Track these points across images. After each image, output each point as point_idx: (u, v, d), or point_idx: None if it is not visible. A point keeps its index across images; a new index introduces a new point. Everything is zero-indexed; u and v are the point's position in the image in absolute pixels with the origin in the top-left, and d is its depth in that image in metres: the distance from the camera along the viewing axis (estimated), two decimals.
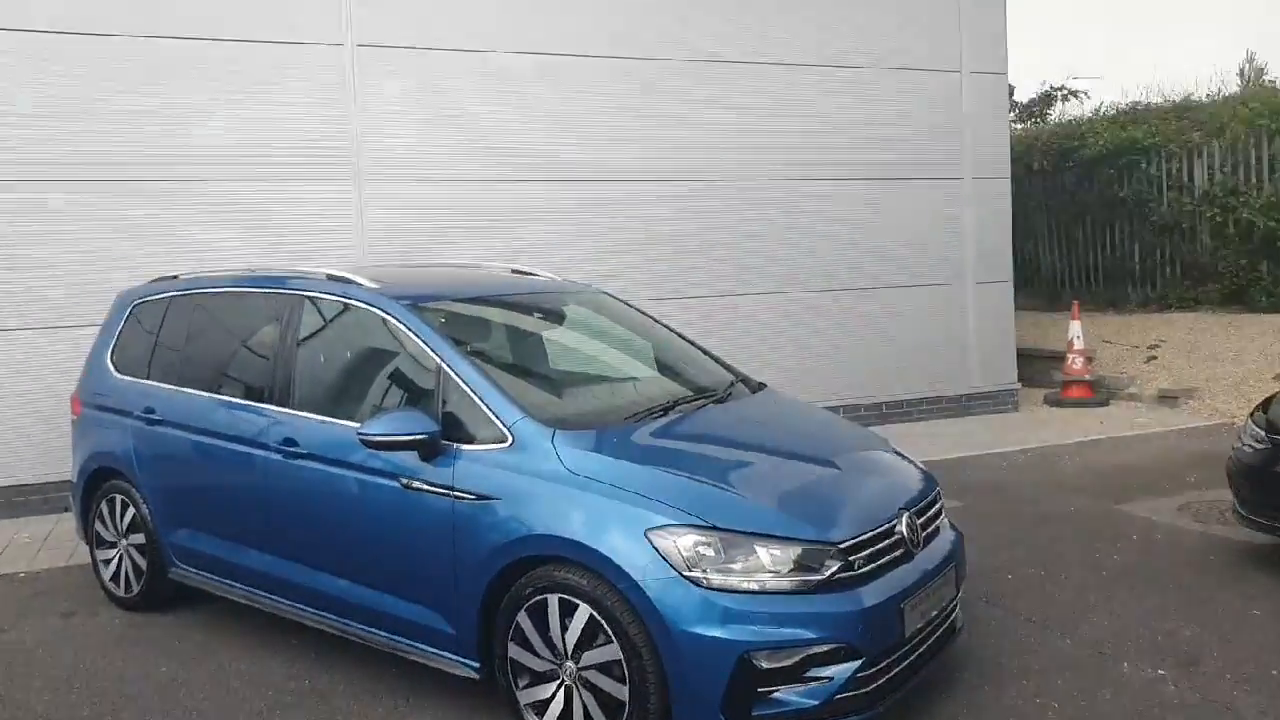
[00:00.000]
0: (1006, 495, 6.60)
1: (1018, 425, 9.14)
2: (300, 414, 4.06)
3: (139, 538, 4.74)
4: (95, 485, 4.97)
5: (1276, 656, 3.95)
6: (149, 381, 4.81)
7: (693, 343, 4.91)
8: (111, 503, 4.87)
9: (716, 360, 4.77)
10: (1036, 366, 10.74)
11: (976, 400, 9.69)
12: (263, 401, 4.23)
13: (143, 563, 4.73)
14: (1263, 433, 4.96)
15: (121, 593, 4.85)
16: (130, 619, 4.72)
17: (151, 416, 4.65)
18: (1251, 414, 5.28)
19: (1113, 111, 14.51)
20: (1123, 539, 5.51)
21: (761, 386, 4.58)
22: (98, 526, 4.96)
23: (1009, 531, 5.73)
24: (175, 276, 5.17)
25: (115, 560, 4.88)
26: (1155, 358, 10.67)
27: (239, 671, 4.09)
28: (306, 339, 4.27)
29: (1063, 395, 10.05)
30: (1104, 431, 8.60)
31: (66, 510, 6.47)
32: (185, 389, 4.60)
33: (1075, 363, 10.02)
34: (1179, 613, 4.43)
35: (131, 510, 4.76)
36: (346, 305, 4.17)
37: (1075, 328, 10.05)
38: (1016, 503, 6.39)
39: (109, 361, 5.09)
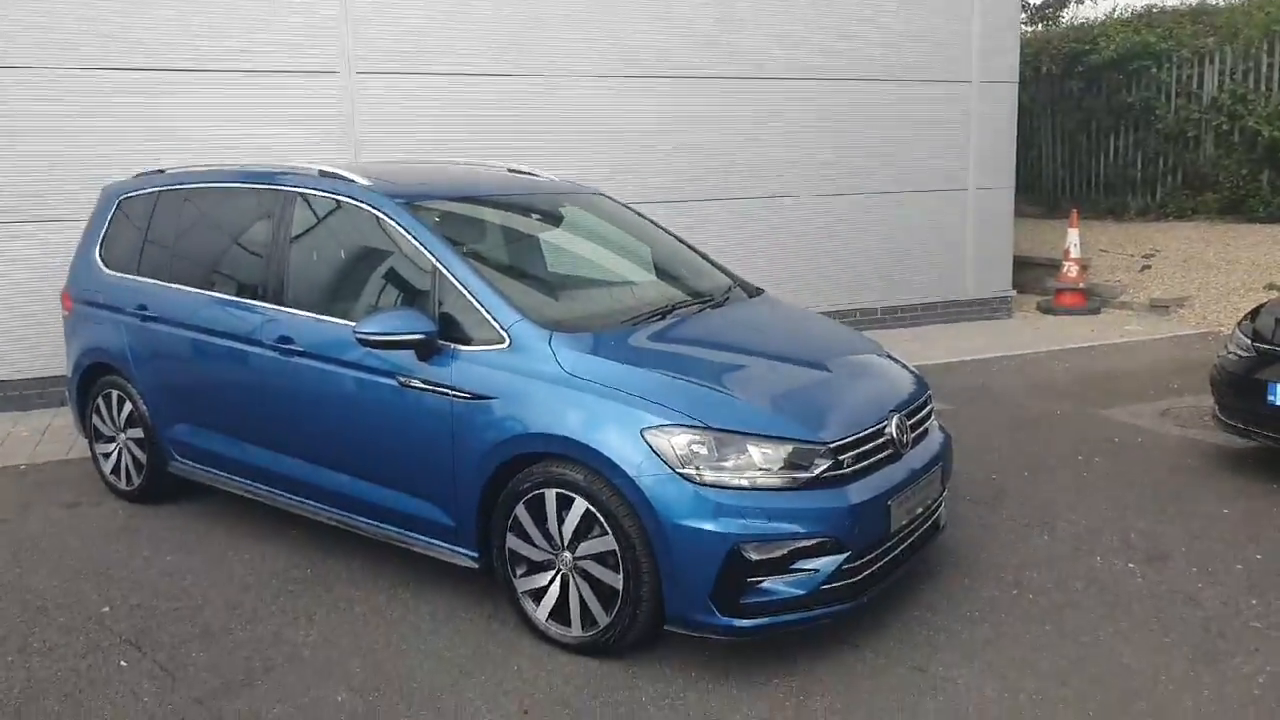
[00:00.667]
0: (995, 399, 6.71)
1: (1010, 331, 9.22)
2: (295, 312, 4.08)
3: (137, 432, 4.81)
4: (91, 381, 5.01)
5: (1242, 552, 4.10)
6: (140, 278, 4.80)
7: (691, 247, 4.91)
8: (108, 398, 4.92)
9: (714, 265, 4.77)
10: (1032, 273, 10.77)
11: (971, 307, 9.74)
12: (257, 299, 4.24)
13: (142, 456, 4.81)
14: (1248, 341, 5.03)
15: (123, 485, 4.95)
16: (133, 510, 4.83)
17: (145, 313, 4.66)
18: (1239, 323, 5.34)
19: (1127, 14, 14.18)
20: (1105, 442, 5.64)
21: (759, 292, 4.60)
22: (95, 421, 5.02)
23: (995, 434, 5.85)
24: (162, 171, 5.10)
25: (115, 454, 4.96)
26: (1149, 267, 10.69)
27: (242, 560, 4.21)
28: (299, 236, 4.26)
29: (1056, 302, 10.10)
30: (1094, 339, 8.68)
31: (63, 405, 6.54)
32: (177, 286, 4.60)
33: (1070, 271, 10.04)
34: (1153, 512, 4.57)
35: (128, 406, 4.81)
36: (339, 203, 4.14)
37: (1073, 235, 10.04)
38: (1004, 406, 6.51)
39: (98, 257, 5.06)
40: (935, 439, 3.87)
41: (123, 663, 3.38)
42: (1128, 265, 10.88)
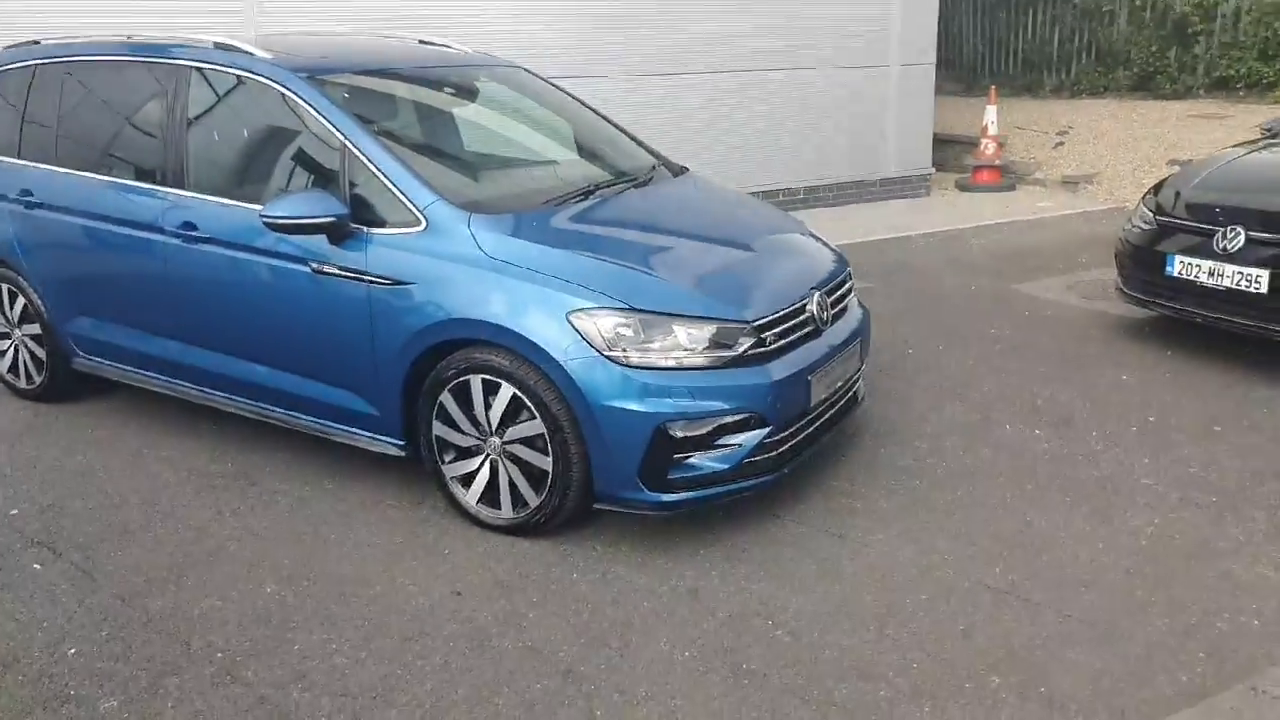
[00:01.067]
0: (912, 276, 6.84)
1: (928, 209, 9.34)
2: (198, 196, 3.88)
3: (34, 328, 4.57)
4: None
5: (1138, 415, 4.33)
6: (21, 161, 4.46)
7: (614, 124, 4.78)
8: None
9: (638, 143, 4.67)
10: (951, 151, 10.86)
11: (893, 185, 9.79)
12: (155, 184, 4.01)
13: (41, 353, 4.59)
14: (1150, 214, 5.20)
15: (23, 384, 4.73)
16: (37, 409, 4.64)
17: (30, 200, 4.37)
18: (1143, 197, 5.50)
19: None
20: (1015, 315, 5.83)
21: (683, 170, 4.53)
22: None
23: (912, 310, 5.98)
24: (36, 42, 4.69)
25: (10, 351, 4.72)
26: (1063, 144, 10.87)
27: (159, 458, 4.11)
28: (199, 116, 4.01)
29: (973, 180, 10.23)
30: (1008, 215, 8.86)
31: None
32: (66, 170, 4.31)
33: (988, 148, 10.15)
34: (1058, 380, 4.77)
35: (21, 300, 4.56)
36: (239, 78, 3.89)
37: (991, 113, 10.10)
38: (921, 283, 6.64)
39: None
40: (854, 315, 3.93)
41: (36, 565, 3.30)
42: (1042, 142, 11.04)
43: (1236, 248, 4.67)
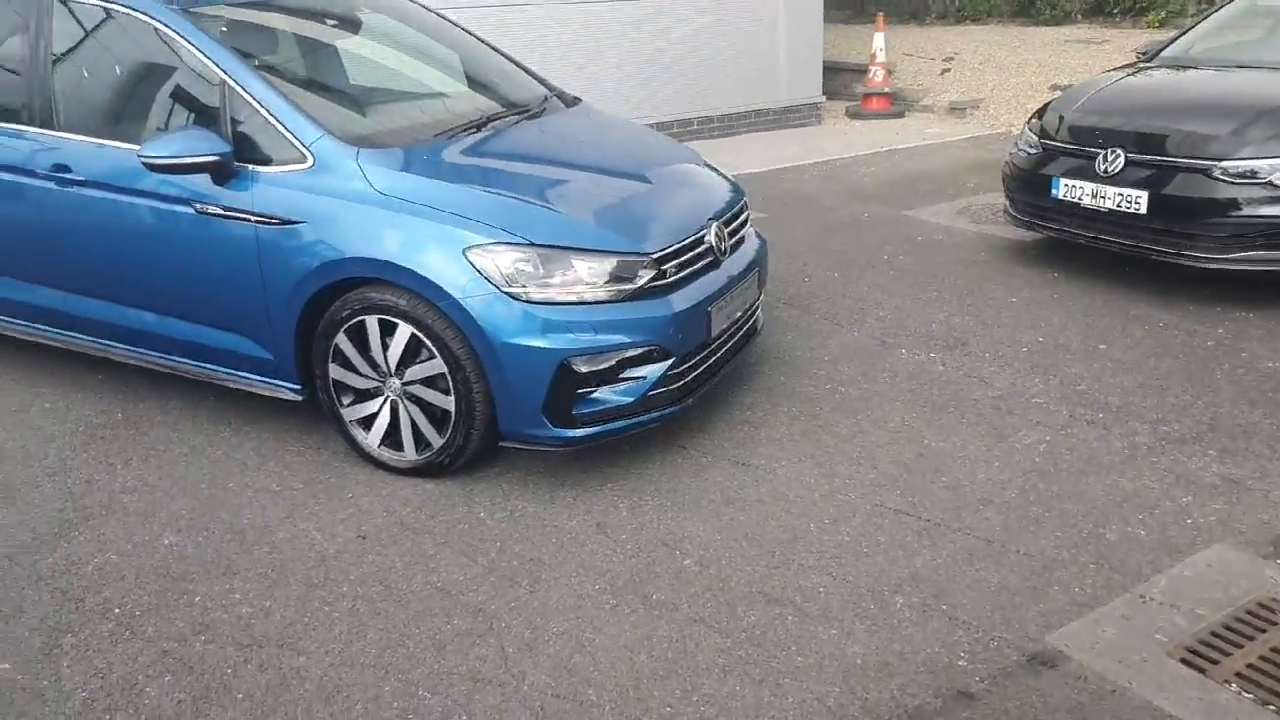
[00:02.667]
0: (807, 205, 6.94)
1: (820, 138, 9.44)
2: (70, 136, 3.65)
3: None
4: None
5: (1028, 336, 4.53)
6: None
7: (505, 55, 4.66)
8: None
9: (530, 74, 4.57)
10: (840, 79, 10.95)
11: (785, 114, 9.86)
12: (21, 124, 3.75)
13: None
14: (1035, 138, 5.37)
15: None
16: None
17: None
18: (1027, 122, 5.67)
19: None
20: (908, 241, 5.99)
21: (576, 101, 4.46)
22: None
23: (808, 238, 6.09)
24: None
25: None
26: (949, 70, 11.08)
27: (43, 410, 3.93)
28: (66, 53, 3.74)
29: (863, 107, 10.37)
30: (898, 143, 9.03)
31: None
32: None
33: (876, 75, 10.27)
34: (952, 304, 4.95)
35: None
36: (108, 11, 3.64)
37: (879, 40, 10.20)
38: (816, 211, 6.75)
39: None
40: (752, 245, 3.98)
41: None
42: (929, 69, 11.24)
43: (1117, 170, 4.87)
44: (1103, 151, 4.95)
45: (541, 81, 4.53)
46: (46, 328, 4.01)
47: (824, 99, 10.17)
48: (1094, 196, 4.96)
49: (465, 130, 3.72)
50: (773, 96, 9.73)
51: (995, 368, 4.22)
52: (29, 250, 3.88)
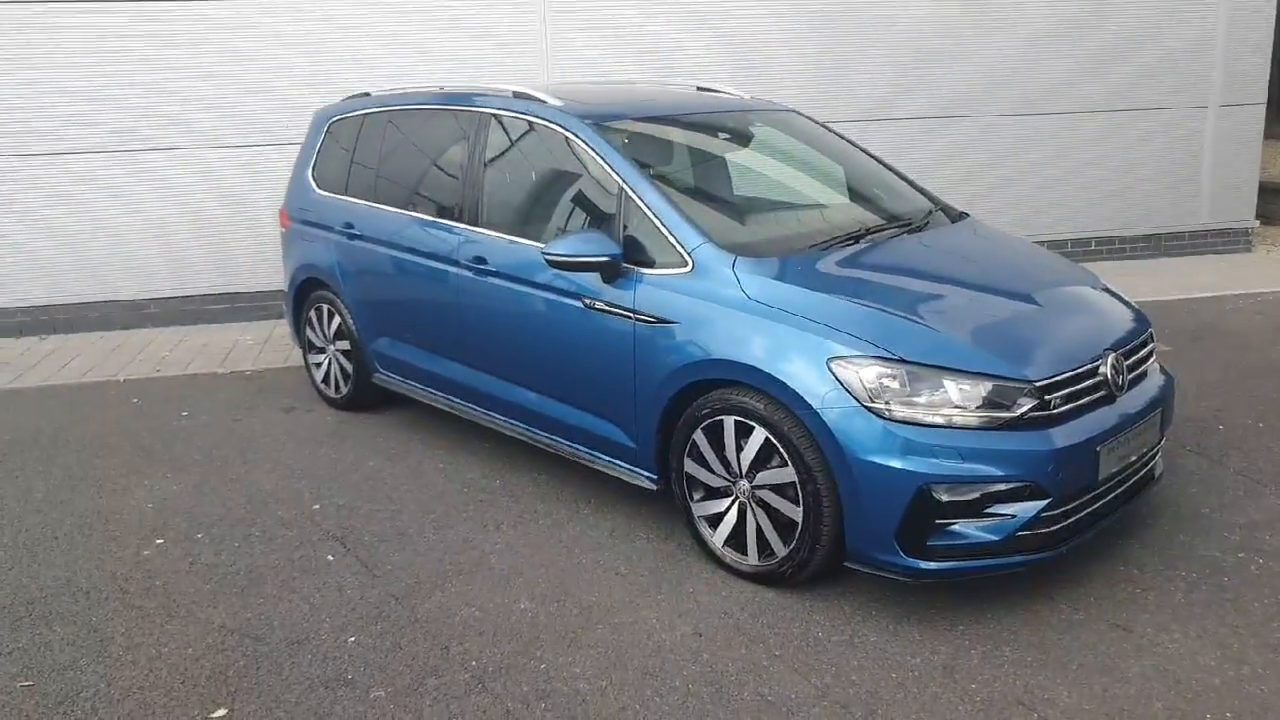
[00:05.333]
0: (1226, 342, 6.06)
1: (1249, 267, 8.27)
2: (489, 233, 4.17)
3: (345, 344, 5.12)
4: (305, 294, 5.36)
5: None
6: (347, 198, 5.04)
7: (891, 167, 4.64)
8: (320, 311, 5.25)
9: (915, 187, 4.50)
10: (1278, 203, 9.58)
11: (1205, 238, 8.78)
12: (453, 220, 4.36)
13: (349, 367, 5.13)
14: None
15: (332, 393, 5.30)
16: (340, 416, 5.17)
17: (351, 231, 4.91)
18: None
19: None
20: None
21: (963, 216, 4.31)
22: (308, 333, 5.38)
23: (1225, 380, 5.29)
24: (367, 94, 5.30)
25: (325, 364, 5.31)
26: None
27: (437, 469, 4.43)
28: (494, 158, 4.32)
29: None
30: None
31: (281, 317, 7.06)
32: (381, 205, 4.80)
33: None
34: None
35: (337, 319, 5.12)
36: (531, 124, 4.16)
37: None
38: (1236, 350, 5.86)
39: (310, 178, 5.35)
40: (1155, 381, 3.52)
41: (329, 557, 3.64)
42: None
43: None
44: None
45: (926, 194, 4.43)
46: (449, 396, 4.56)
47: (1257, 223, 8.93)
48: None
49: (841, 242, 3.71)
50: (1192, 218, 8.72)
51: None
52: (444, 328, 4.45)
